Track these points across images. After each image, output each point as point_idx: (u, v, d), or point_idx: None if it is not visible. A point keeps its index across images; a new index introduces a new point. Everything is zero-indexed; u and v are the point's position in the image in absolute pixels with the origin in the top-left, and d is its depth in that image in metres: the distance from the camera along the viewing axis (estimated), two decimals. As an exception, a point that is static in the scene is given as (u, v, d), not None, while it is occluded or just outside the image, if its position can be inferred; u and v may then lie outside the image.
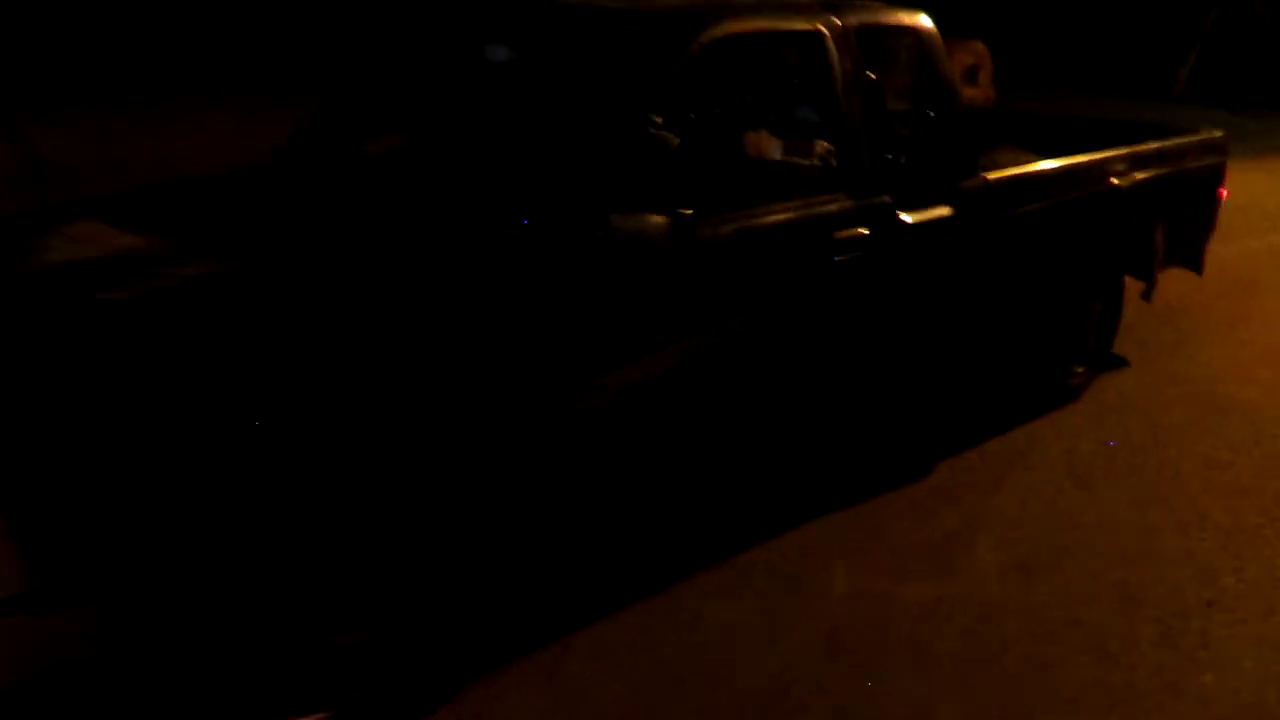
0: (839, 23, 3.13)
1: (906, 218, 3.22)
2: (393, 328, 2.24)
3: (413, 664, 2.33)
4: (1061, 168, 3.94)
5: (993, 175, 3.57)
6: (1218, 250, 5.12)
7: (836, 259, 3.02)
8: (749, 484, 3.31)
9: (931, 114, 3.40)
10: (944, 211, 3.36)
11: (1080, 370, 4.38)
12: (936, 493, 3.56)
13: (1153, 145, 4.35)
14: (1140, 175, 4.24)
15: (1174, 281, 5.01)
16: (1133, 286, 4.59)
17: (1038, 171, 3.83)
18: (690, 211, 2.46)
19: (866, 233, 3.10)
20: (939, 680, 2.63)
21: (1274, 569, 3.18)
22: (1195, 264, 4.89)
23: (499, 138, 3.07)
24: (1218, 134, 4.72)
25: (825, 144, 3.32)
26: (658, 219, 2.38)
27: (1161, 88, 16.16)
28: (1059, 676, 2.66)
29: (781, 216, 2.90)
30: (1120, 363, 4.78)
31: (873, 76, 3.17)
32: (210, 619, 2.03)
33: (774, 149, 3.61)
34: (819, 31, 3.09)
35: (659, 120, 2.83)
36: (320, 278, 2.35)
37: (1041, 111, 5.96)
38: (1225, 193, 4.82)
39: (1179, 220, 4.59)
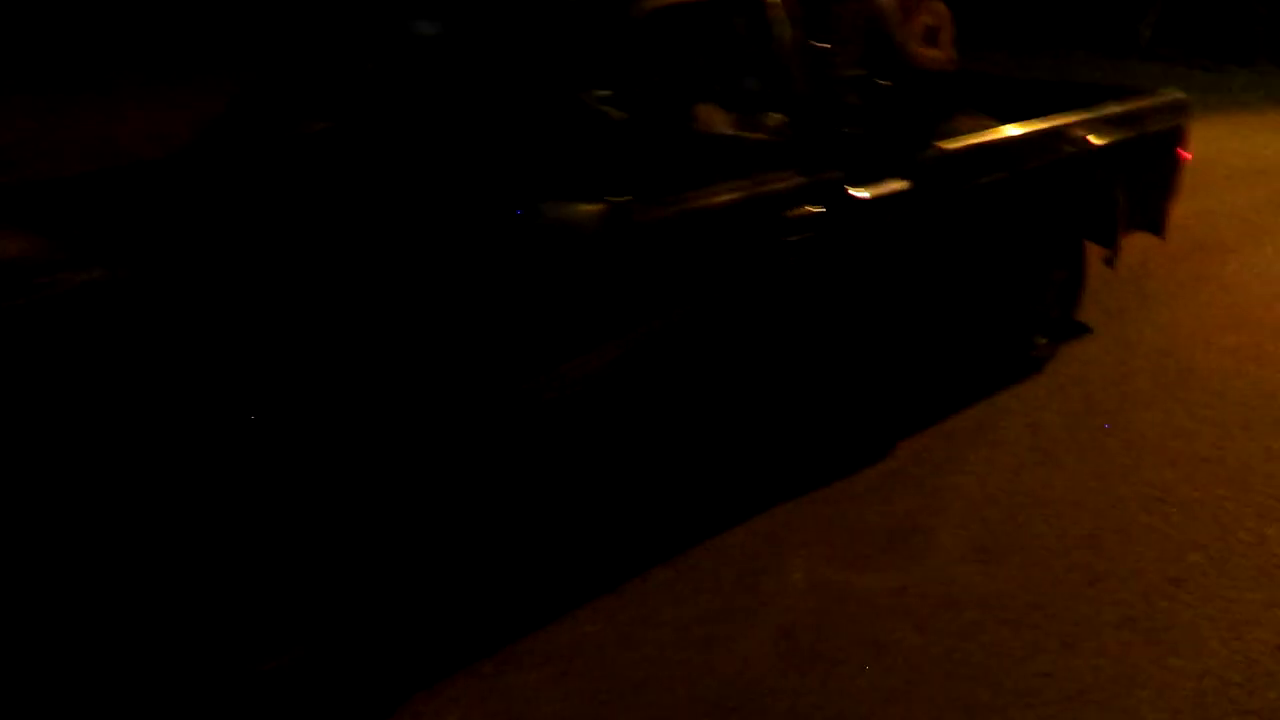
0: (784, -11, 2.99)
1: (860, 193, 3.10)
2: (300, 331, 2.09)
3: (344, 686, 2.21)
4: (1019, 134, 3.83)
5: (949, 145, 3.45)
6: (1180, 211, 5.05)
7: (787, 239, 2.90)
8: (701, 475, 3.20)
9: (884, 83, 3.27)
10: (899, 185, 3.24)
11: (1044, 341, 4.30)
12: (897, 475, 3.47)
13: (1112, 108, 4.24)
14: (1100, 139, 4.14)
15: (1137, 244, 4.93)
16: (1096, 252, 4.51)
17: (995, 139, 3.72)
18: (626, 198, 2.32)
19: (818, 210, 2.97)
20: (898, 675, 2.55)
21: (1238, 543, 3.12)
22: (1158, 227, 4.81)
23: (429, 117, 2.91)
24: (1178, 94, 4.62)
25: (777, 118, 3.18)
26: (590, 206, 2.24)
27: (1126, 45, 16.08)
28: (1020, 667, 2.58)
29: (728, 197, 2.77)
30: (1084, 330, 4.71)
31: (822, 45, 3.03)
32: (115, 650, 1.89)
33: (724, 124, 3.47)
34: (763, -1, 2.94)
35: (603, 95, 2.71)
36: (202, 281, 2.17)
37: (1003, 74, 5.84)
38: (1187, 155, 4.73)
39: (1140, 184, 4.50)
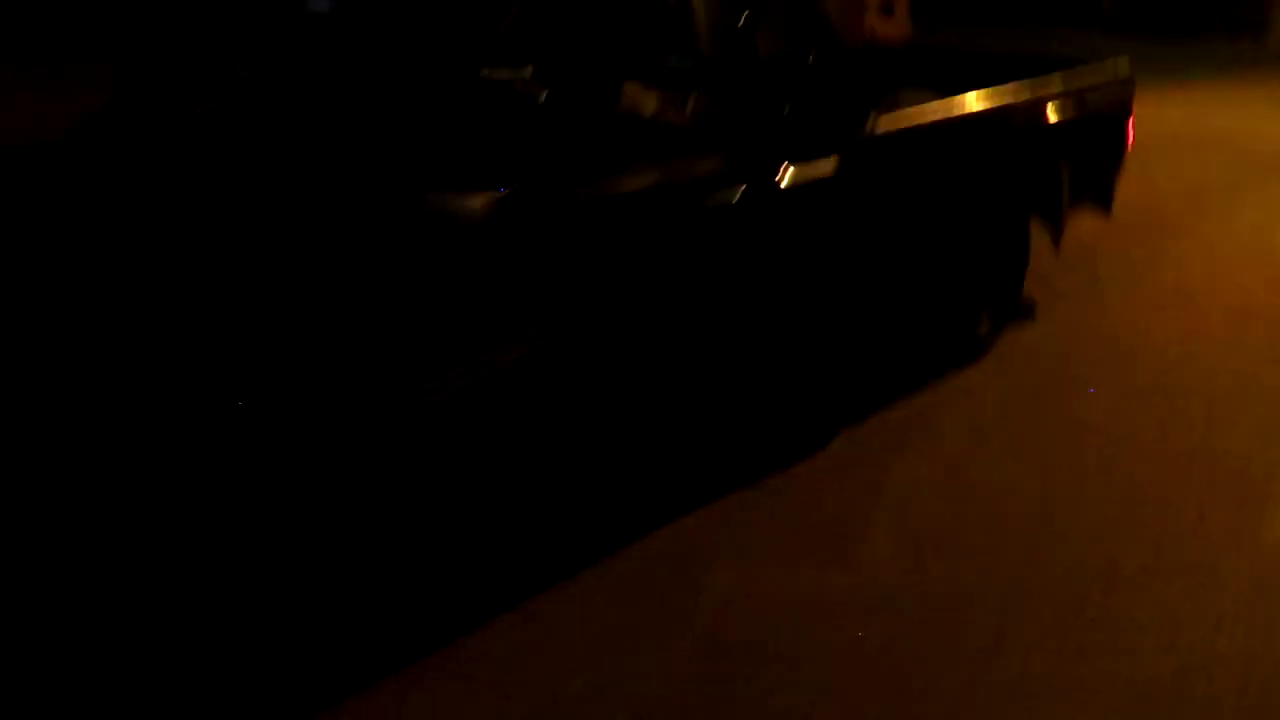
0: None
1: (785, 176, 2.96)
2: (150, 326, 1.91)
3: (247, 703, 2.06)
4: (958, 110, 3.70)
5: (884, 123, 3.31)
6: (1131, 187, 4.98)
7: (708, 227, 2.76)
8: (630, 474, 3.07)
9: (811, 58, 3.12)
10: (830, 167, 3.10)
11: (988, 323, 4.20)
12: (833, 467, 3.36)
13: (1057, 80, 4.12)
14: (1045, 112, 4.03)
15: (1087, 222, 4.84)
16: (1044, 232, 4.41)
17: (933, 115, 3.58)
18: (513, 187, 2.15)
19: (742, 196, 2.83)
20: (821, 685, 2.44)
21: (1174, 536, 3.04)
22: (1105, 203, 4.72)
23: (316, 100, 2.71)
24: (1123, 64, 4.51)
25: (701, 98, 3.02)
26: (476, 198, 2.07)
27: (1087, 16, 16.03)
28: (947, 674, 2.48)
29: (641, 183, 2.62)
30: (1030, 312, 4.62)
31: (744, 17, 2.88)
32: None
33: (650, 104, 3.31)
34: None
35: (527, 72, 2.54)
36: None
37: (953, 46, 5.70)
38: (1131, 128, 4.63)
39: (1087, 158, 4.41)
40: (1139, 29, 16.69)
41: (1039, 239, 4.38)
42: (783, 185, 2.93)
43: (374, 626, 2.49)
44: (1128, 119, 4.57)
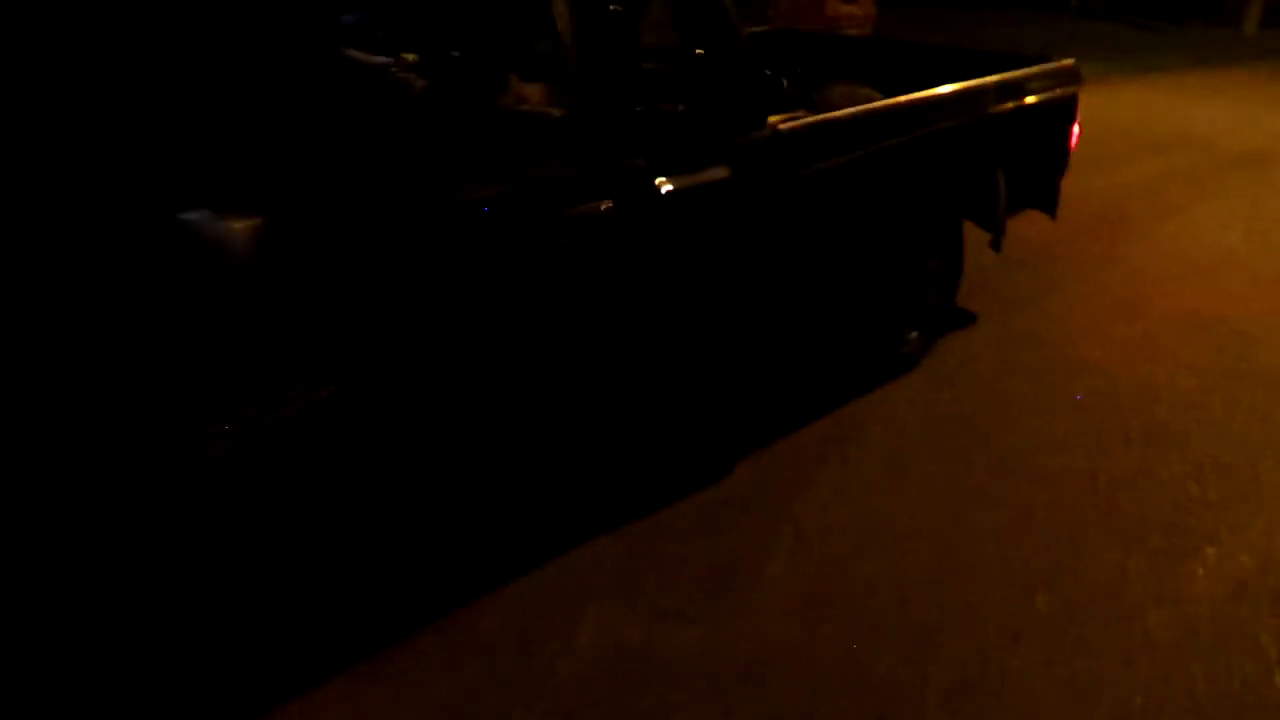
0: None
1: (666, 184, 2.64)
2: None
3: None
4: (875, 110, 3.39)
5: (786, 125, 2.99)
6: (1087, 182, 4.69)
7: (566, 242, 2.43)
8: (484, 512, 2.76)
9: (700, 51, 2.79)
10: (718, 173, 2.78)
11: (915, 335, 3.91)
12: (730, 501, 3.06)
13: (992, 80, 3.82)
14: (976, 113, 3.73)
15: (1038, 223, 4.55)
16: (982, 236, 4.11)
17: (845, 116, 3.26)
18: (293, 212, 1.81)
19: (610, 206, 2.51)
20: (679, 769, 2.15)
21: (1095, 582, 2.75)
22: (1048, 206, 4.43)
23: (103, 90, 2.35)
24: (1068, 63, 4.21)
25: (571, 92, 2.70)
26: (239, 222, 1.74)
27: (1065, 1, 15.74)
28: (823, 755, 2.20)
29: (480, 194, 2.29)
30: (967, 320, 4.33)
31: (614, 5, 2.55)
32: None
33: (535, 97, 2.99)
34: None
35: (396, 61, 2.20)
36: None
37: (891, 37, 5.40)
38: (1076, 129, 4.33)
39: (1025, 160, 4.11)
40: (1121, 14, 16.41)
41: (979, 242, 4.09)
42: (657, 195, 2.60)
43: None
44: (1071, 121, 4.27)
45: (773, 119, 3.02)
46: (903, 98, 3.48)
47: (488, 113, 2.75)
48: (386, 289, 2.05)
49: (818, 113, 3.30)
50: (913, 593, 2.68)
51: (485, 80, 2.88)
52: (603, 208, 2.49)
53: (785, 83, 3.07)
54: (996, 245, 4.14)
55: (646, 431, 3.20)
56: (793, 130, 2.99)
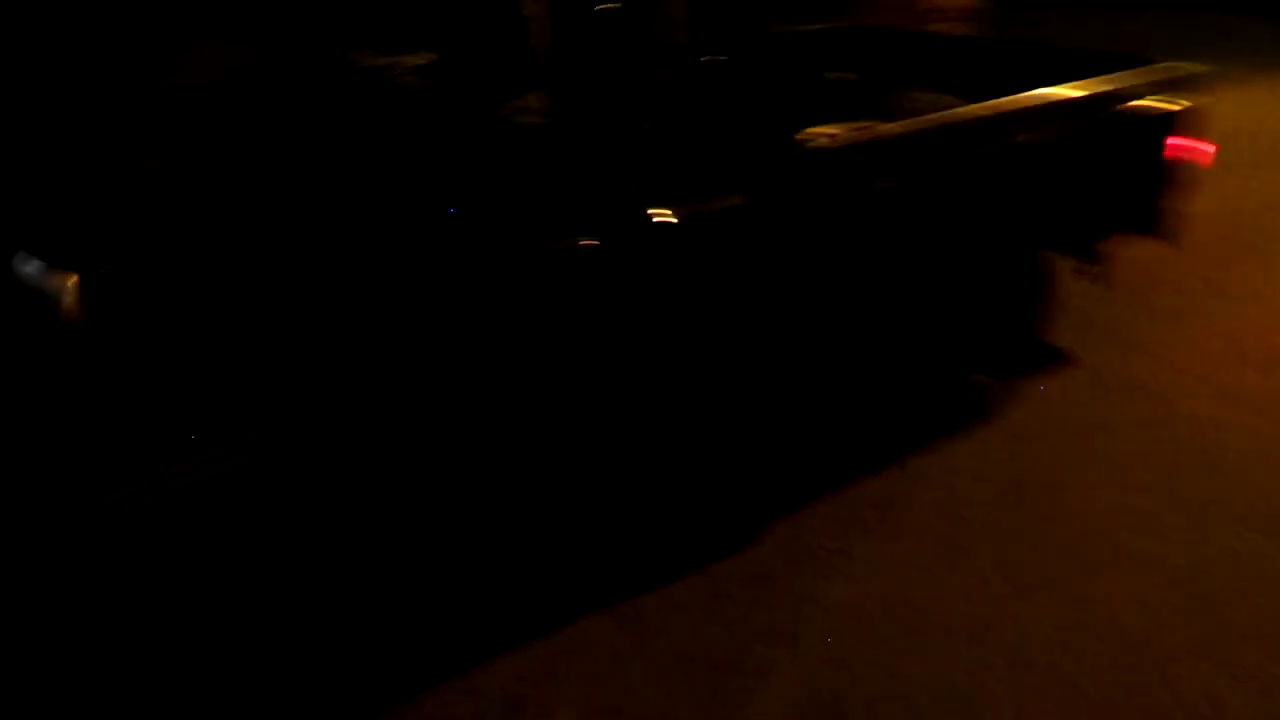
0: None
1: (666, 216, 2.25)
2: None
3: None
4: (931, 125, 2.91)
5: (818, 143, 2.56)
6: (1207, 197, 4.03)
7: (545, 283, 2.07)
8: (453, 578, 2.42)
9: (719, 58, 2.39)
10: (732, 201, 2.38)
11: (984, 377, 3.40)
12: (749, 577, 2.65)
13: (1078, 87, 3.27)
14: (1055, 125, 3.20)
15: (1154, 249, 3.93)
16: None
17: (891, 134, 2.80)
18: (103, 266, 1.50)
19: (594, 243, 2.14)
20: None
21: (1173, 715, 2.24)
22: (1154, 229, 3.84)
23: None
24: (1183, 70, 3.61)
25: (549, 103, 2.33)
26: (65, 277, 1.44)
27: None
28: None
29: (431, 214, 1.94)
30: (1055, 360, 3.79)
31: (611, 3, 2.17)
32: None
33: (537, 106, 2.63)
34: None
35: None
36: None
37: (978, 33, 4.85)
38: (1196, 143, 3.72)
39: (1116, 178, 3.54)
40: (1255, 8, 15.11)
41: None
42: (652, 232, 2.21)
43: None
44: (1180, 131, 3.67)
45: (819, 130, 2.61)
46: (964, 110, 3.01)
47: (478, 123, 2.41)
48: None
49: (891, 120, 2.86)
50: (945, 714, 2.23)
51: (489, 85, 2.55)
52: (585, 244, 2.12)
53: (848, 86, 2.65)
54: (1095, 274, 3.59)
55: (657, 486, 2.82)
56: (829, 149, 2.56)
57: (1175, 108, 3.49)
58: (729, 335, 2.55)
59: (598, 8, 2.12)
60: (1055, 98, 3.13)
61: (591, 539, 2.71)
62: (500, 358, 2.06)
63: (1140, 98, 3.38)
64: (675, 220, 2.26)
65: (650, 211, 2.22)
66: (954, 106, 3.14)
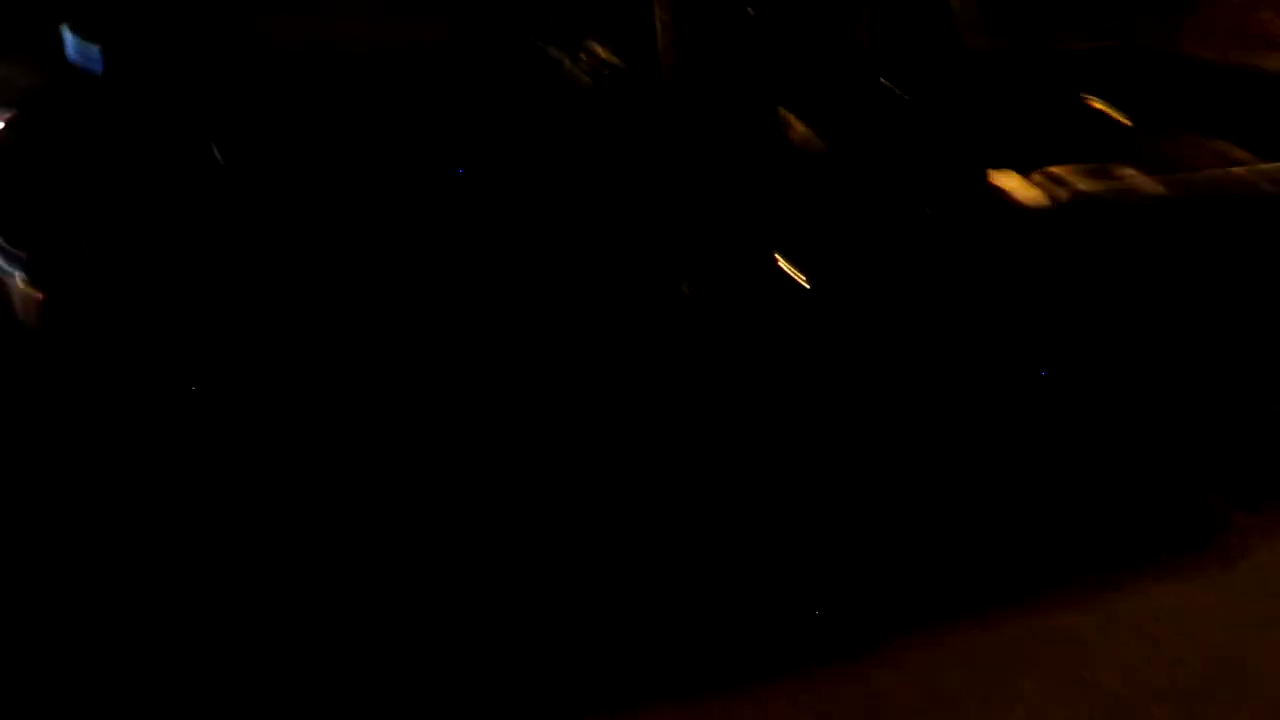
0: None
1: (792, 271, 1.83)
2: None
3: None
4: (1205, 186, 2.30)
5: (1018, 191, 2.04)
6: None
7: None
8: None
9: (910, 90, 1.92)
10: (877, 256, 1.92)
11: (1221, 501, 2.69)
12: (872, 701, 2.18)
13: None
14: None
15: None
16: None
17: (1145, 194, 2.21)
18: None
19: (691, 289, 1.77)
20: None
21: None
22: None
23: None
24: None
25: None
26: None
27: None
28: None
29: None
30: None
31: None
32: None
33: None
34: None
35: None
36: None
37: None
38: None
39: None
40: None
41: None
42: (788, 281, 1.81)
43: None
44: None
45: (1056, 170, 2.10)
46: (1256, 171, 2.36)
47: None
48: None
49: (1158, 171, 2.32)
50: None
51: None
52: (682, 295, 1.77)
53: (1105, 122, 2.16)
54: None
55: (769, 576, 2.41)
56: (1029, 206, 2.03)
57: None
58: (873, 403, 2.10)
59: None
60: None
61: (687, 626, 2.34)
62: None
63: None
64: (804, 279, 1.84)
65: (779, 262, 1.82)
66: (1245, 164, 2.52)
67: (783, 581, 2.39)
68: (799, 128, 1.90)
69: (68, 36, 1.77)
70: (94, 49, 1.87)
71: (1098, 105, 3.57)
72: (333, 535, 1.80)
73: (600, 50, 2.36)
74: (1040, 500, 2.71)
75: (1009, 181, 2.18)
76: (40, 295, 1.41)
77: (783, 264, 1.77)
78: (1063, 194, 2.24)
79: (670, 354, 1.84)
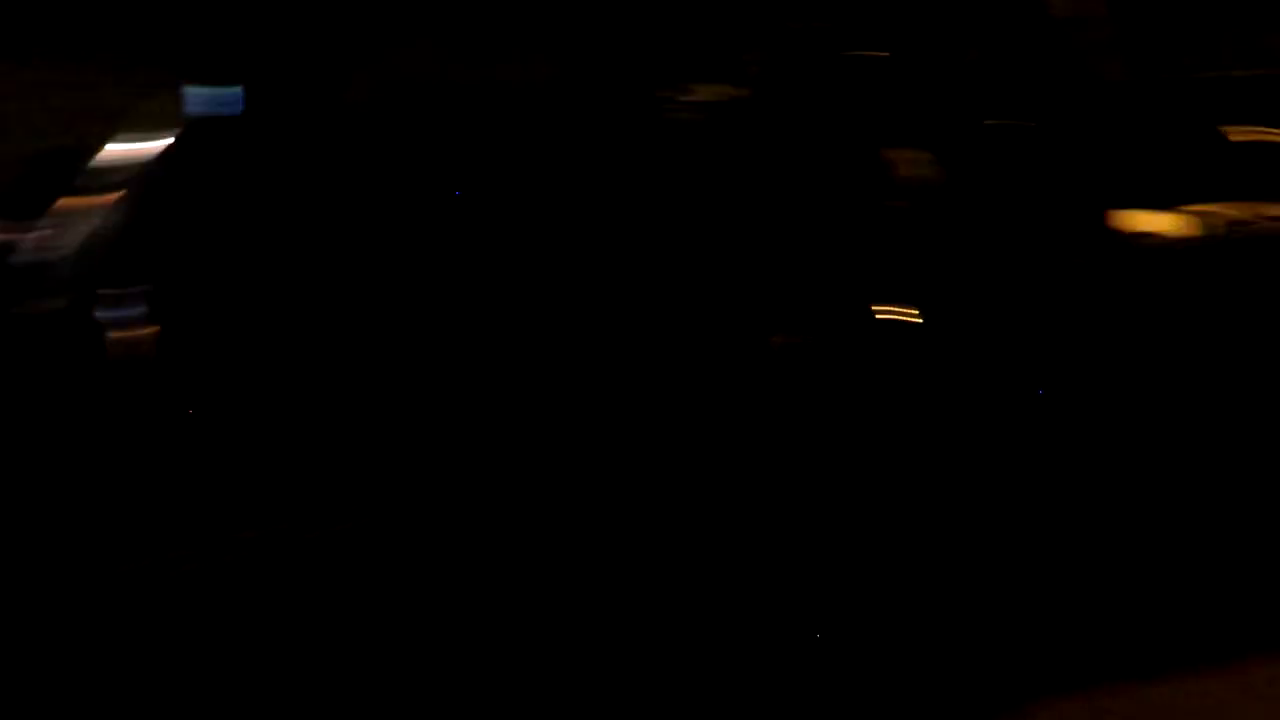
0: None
1: (891, 314, 1.73)
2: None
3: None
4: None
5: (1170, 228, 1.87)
6: None
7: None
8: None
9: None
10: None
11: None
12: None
13: None
14: None
15: None
16: None
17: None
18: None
19: (800, 340, 1.70)
20: None
21: None
22: None
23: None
24: None
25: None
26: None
27: None
28: None
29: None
30: None
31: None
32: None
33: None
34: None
35: None
36: None
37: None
38: None
39: None
40: None
41: None
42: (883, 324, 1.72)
43: None
44: None
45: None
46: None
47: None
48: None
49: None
50: None
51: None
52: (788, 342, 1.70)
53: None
54: None
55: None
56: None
57: None
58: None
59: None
60: None
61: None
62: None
63: None
64: (904, 320, 1.75)
65: (874, 307, 1.74)
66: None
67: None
68: (910, 168, 1.82)
69: (193, 92, 1.86)
70: (233, 92, 1.96)
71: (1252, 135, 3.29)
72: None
73: (706, 91, 2.34)
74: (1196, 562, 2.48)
75: (1152, 220, 2.03)
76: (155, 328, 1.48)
77: (886, 311, 1.69)
78: (1215, 229, 2.07)
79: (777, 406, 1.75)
